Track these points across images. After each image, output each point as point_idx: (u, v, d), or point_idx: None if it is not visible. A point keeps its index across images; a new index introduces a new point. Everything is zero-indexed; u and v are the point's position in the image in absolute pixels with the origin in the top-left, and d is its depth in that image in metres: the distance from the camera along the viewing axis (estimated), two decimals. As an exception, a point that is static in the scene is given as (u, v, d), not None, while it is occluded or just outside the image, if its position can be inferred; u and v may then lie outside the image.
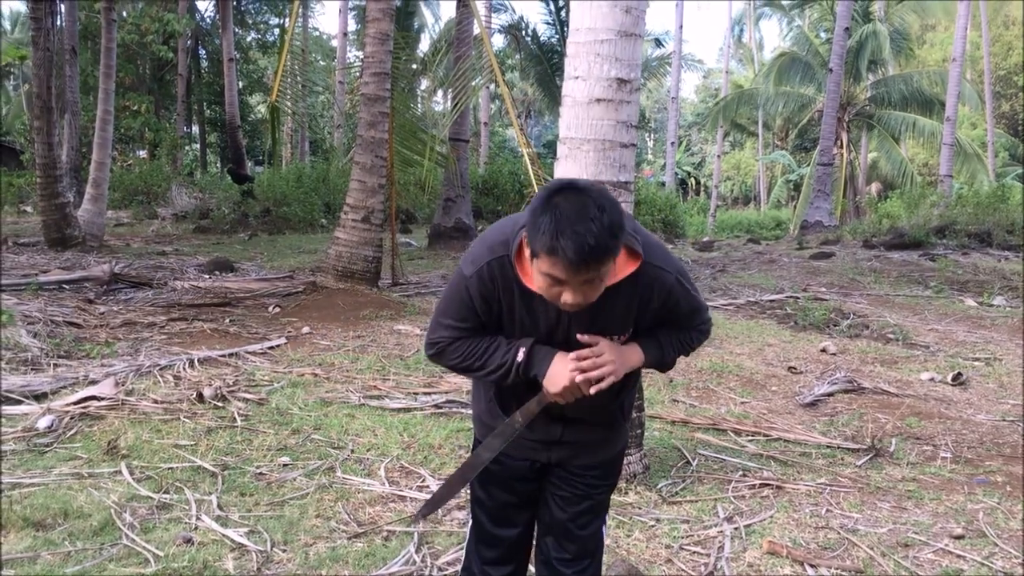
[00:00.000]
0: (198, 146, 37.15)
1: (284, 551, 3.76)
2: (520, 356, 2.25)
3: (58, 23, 17.62)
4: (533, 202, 2.08)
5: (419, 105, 27.83)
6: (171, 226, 20.00)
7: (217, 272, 11.79)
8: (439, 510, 4.01)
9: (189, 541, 3.78)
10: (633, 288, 2.22)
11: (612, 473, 2.66)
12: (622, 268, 2.17)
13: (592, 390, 2.22)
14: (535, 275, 2.10)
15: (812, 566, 3.77)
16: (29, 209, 20.63)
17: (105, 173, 15.85)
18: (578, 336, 2.23)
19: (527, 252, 2.11)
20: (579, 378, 2.20)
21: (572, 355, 2.22)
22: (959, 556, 3.94)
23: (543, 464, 2.55)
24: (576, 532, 2.59)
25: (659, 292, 2.26)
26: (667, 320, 2.36)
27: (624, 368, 2.27)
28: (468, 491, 2.68)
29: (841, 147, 29.54)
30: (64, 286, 9.78)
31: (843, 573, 3.73)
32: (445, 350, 2.35)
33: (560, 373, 2.22)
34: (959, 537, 4.14)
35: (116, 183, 21.55)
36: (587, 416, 2.45)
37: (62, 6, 17.74)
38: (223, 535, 3.85)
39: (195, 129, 37.54)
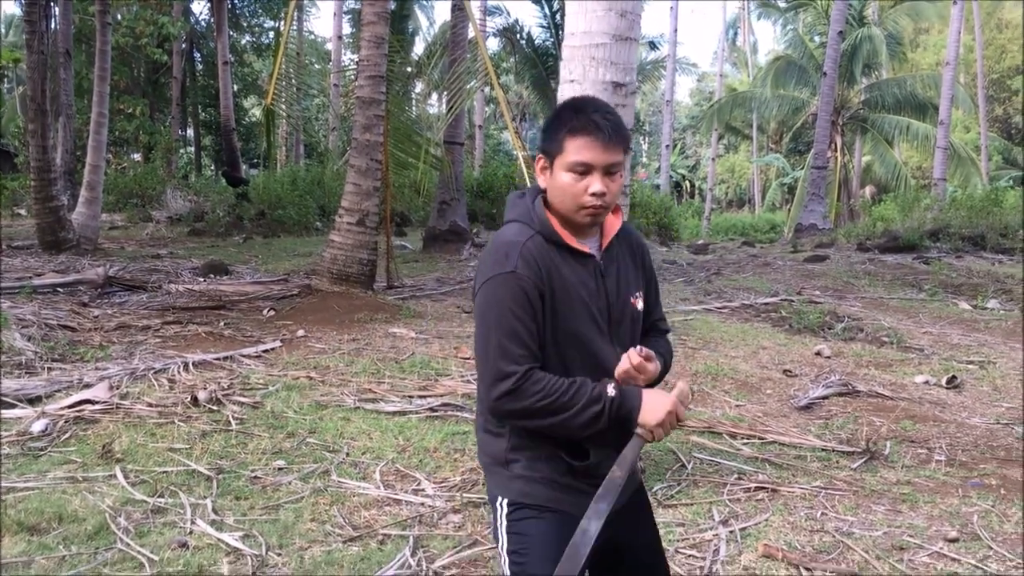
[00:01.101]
0: (193, 149, 37.11)
1: (279, 555, 3.76)
2: (611, 391, 2.06)
3: (52, 26, 17.65)
4: (544, 124, 2.24)
5: (414, 108, 27.83)
6: (166, 229, 19.97)
7: (212, 275, 11.77)
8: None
9: (184, 545, 3.78)
10: (627, 241, 2.30)
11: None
12: (614, 222, 2.26)
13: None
14: (558, 177, 2.12)
15: (807, 569, 3.77)
16: (23, 212, 20.59)
17: (100, 176, 15.82)
18: (631, 354, 2.10)
19: (547, 174, 2.17)
20: (679, 410, 2.10)
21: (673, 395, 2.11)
22: (954, 559, 3.94)
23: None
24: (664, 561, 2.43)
25: (639, 246, 2.34)
26: (649, 296, 2.35)
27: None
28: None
29: (835, 150, 29.60)
30: (58, 289, 9.75)
31: (838, 576, 3.73)
32: (523, 385, 2.01)
33: (659, 403, 2.08)
34: (954, 540, 4.15)
35: (111, 186, 21.51)
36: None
37: (56, 9, 17.74)
38: (218, 539, 3.85)
39: (190, 132, 37.52)
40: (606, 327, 2.18)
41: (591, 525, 2.01)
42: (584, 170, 2.09)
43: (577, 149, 2.08)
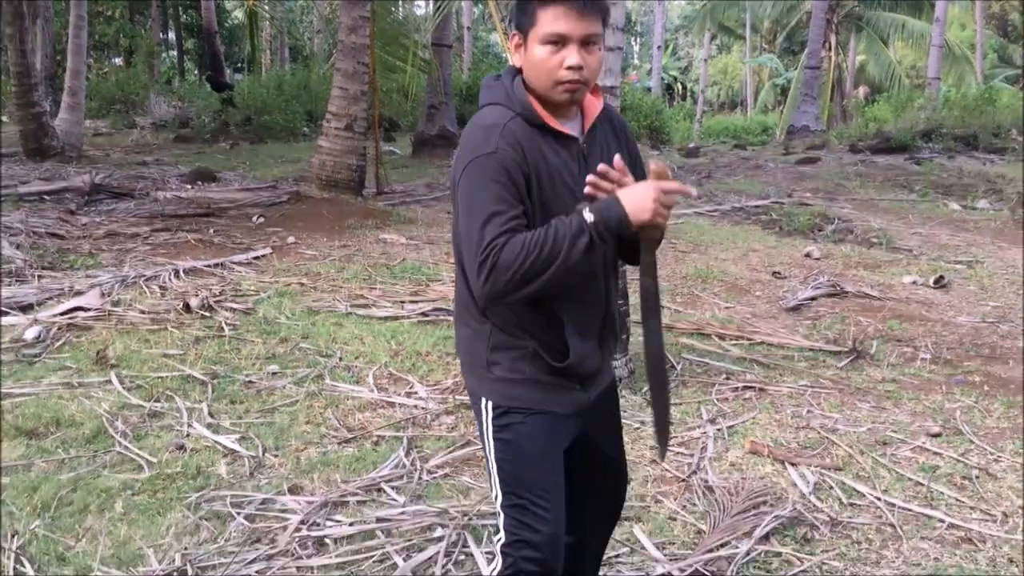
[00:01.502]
0: (175, 53, 36.29)
1: (275, 456, 3.83)
2: (588, 215, 1.89)
3: (25, -76, 17.00)
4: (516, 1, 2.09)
5: (401, 9, 27.20)
6: (151, 135, 19.69)
7: (199, 182, 11.66)
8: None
9: (181, 447, 3.84)
10: (609, 123, 2.19)
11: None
12: (594, 103, 2.14)
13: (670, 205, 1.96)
14: (533, 52, 1.99)
15: (792, 464, 3.86)
16: (5, 119, 20.25)
17: (81, 81, 15.50)
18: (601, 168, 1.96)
19: (521, 51, 2.04)
20: (662, 187, 1.92)
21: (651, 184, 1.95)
22: (936, 453, 4.04)
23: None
24: (624, 473, 2.46)
25: (621, 127, 2.23)
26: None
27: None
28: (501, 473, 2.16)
29: (829, 50, 29.13)
30: (45, 197, 9.67)
31: (823, 471, 3.82)
32: (502, 252, 1.86)
33: (640, 194, 1.91)
34: (936, 435, 4.25)
35: (93, 92, 21.09)
36: (615, 313, 2.23)
37: (28, -94, 17.10)
38: (215, 441, 3.92)
39: (171, 35, 36.64)
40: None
41: (658, 346, 2.08)
42: (559, 41, 1.96)
43: (551, 19, 1.96)
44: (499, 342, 2.10)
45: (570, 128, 2.07)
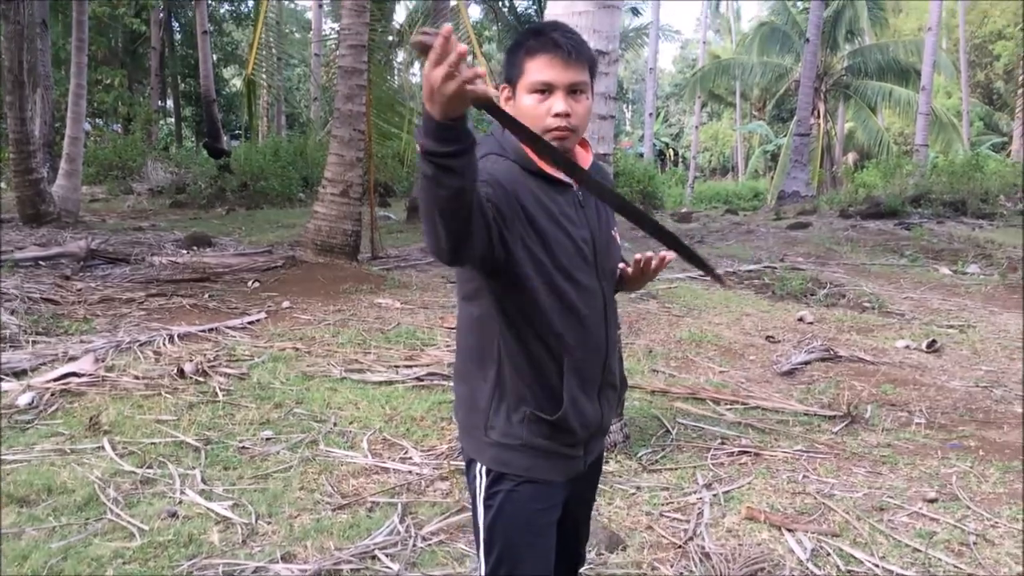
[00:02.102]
0: (173, 120, 36.75)
1: (269, 523, 3.79)
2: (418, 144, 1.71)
3: (28, -4, 17.33)
4: (505, 53, 2.15)
5: (397, 77, 27.63)
6: (147, 201, 19.82)
7: (195, 247, 11.72)
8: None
9: (174, 515, 3.81)
10: (599, 176, 2.17)
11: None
12: (584, 155, 2.17)
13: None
14: (521, 102, 2.02)
15: (789, 530, 3.84)
16: (3, 185, 20.37)
17: (79, 148, 15.66)
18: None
19: (511, 103, 2.06)
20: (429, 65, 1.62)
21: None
22: (932, 519, 4.02)
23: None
24: (586, 537, 2.49)
25: (609, 182, 2.32)
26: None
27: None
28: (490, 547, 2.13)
29: (818, 117, 29.62)
30: (40, 263, 9.69)
31: (820, 537, 3.80)
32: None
33: (425, 87, 1.62)
34: (932, 500, 4.23)
35: (91, 158, 21.29)
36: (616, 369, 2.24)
37: (32, -22, 17.44)
38: (208, 508, 3.88)
39: (169, 103, 37.10)
40: (592, 259, 2.10)
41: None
42: (546, 89, 2.00)
43: (537, 69, 2.00)
44: (498, 400, 2.07)
45: (558, 173, 2.05)
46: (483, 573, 2.10)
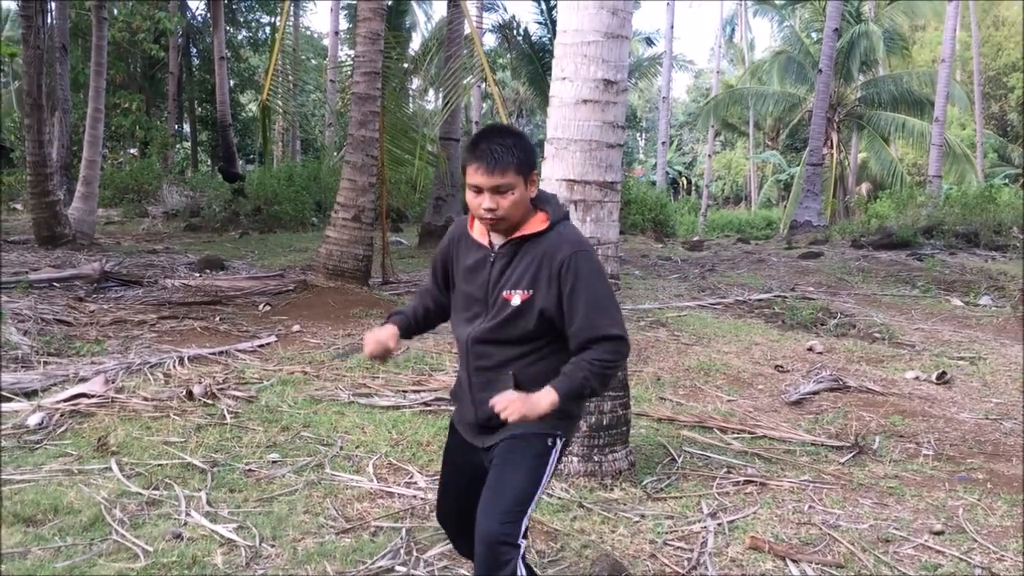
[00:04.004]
0: (189, 144, 37.04)
1: (273, 546, 3.80)
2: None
3: (49, 20, 17.59)
4: None
5: (410, 104, 27.84)
6: (162, 224, 19.97)
7: (208, 270, 11.81)
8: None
9: (179, 537, 3.82)
10: (539, 248, 2.68)
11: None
12: (534, 224, 2.71)
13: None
14: (467, 192, 2.64)
15: (794, 561, 3.82)
16: (19, 207, 20.59)
17: (96, 171, 15.83)
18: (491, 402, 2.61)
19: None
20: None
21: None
22: (938, 551, 4.00)
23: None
24: None
25: (558, 261, 2.64)
26: (571, 315, 2.64)
27: (533, 408, 2.56)
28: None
29: (831, 147, 29.65)
30: (54, 284, 9.78)
31: (824, 568, 3.79)
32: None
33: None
34: (939, 533, 4.21)
35: (107, 181, 21.48)
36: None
37: (53, 4, 17.69)
38: (212, 531, 3.89)
39: (186, 127, 37.43)
40: (480, 309, 2.74)
41: None
42: (477, 190, 2.62)
43: (471, 173, 2.62)
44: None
45: (495, 240, 2.73)
46: (523, 522, 2.65)
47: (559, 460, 2.79)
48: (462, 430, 2.92)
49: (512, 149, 2.61)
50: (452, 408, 5.84)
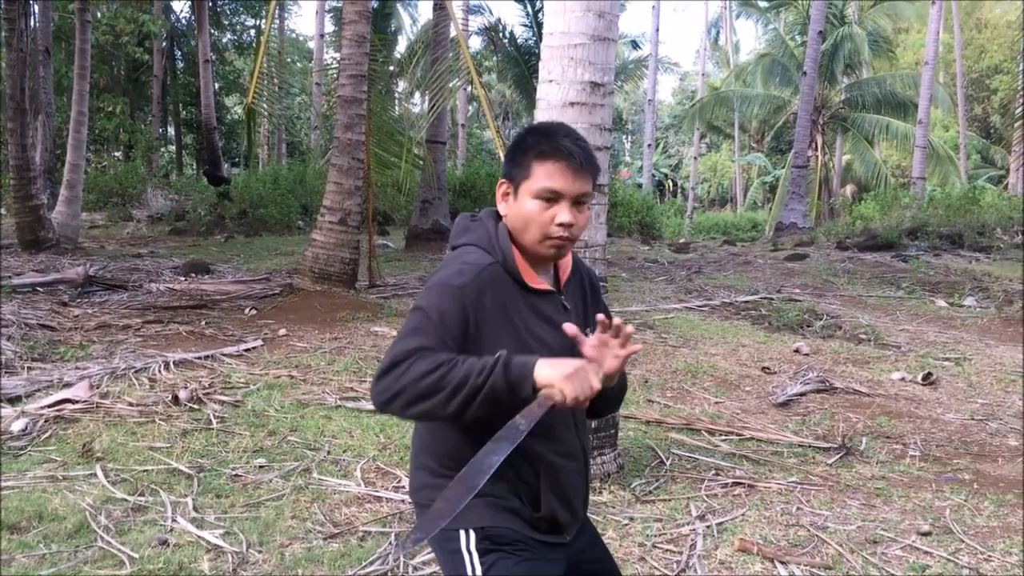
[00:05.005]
0: (174, 148, 36.93)
1: (260, 552, 3.78)
2: (502, 354, 1.81)
3: (31, 23, 17.51)
4: (510, 147, 2.09)
5: (396, 107, 27.80)
6: (146, 228, 19.89)
7: (193, 274, 11.75)
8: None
9: (165, 543, 3.79)
10: (577, 275, 2.19)
11: None
12: (567, 256, 2.13)
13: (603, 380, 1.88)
14: (523, 204, 1.99)
15: (782, 563, 3.83)
16: (2, 211, 20.44)
17: (79, 175, 15.74)
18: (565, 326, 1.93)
19: (508, 200, 2.04)
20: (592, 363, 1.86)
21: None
22: (926, 552, 4.01)
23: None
24: None
25: (589, 278, 2.22)
26: None
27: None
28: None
29: (816, 149, 29.77)
30: (38, 288, 9.71)
31: (812, 570, 3.79)
32: (412, 365, 1.79)
33: (562, 362, 1.81)
34: (926, 534, 4.22)
35: (91, 185, 21.37)
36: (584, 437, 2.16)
37: (35, 6, 17.61)
38: (199, 536, 3.87)
39: (171, 131, 37.32)
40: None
41: (489, 457, 1.74)
42: (552, 197, 1.97)
43: (546, 175, 1.97)
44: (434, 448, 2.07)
45: (544, 280, 2.07)
46: None
47: None
48: (540, 534, 2.04)
49: (591, 150, 2.05)
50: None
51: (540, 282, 2.04)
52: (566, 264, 2.15)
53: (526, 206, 1.99)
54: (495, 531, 1.96)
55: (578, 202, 1.99)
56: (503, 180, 2.06)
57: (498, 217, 2.08)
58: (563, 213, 1.97)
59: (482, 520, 1.96)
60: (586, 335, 1.95)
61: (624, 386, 2.17)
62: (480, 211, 2.15)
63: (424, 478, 2.07)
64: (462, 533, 1.96)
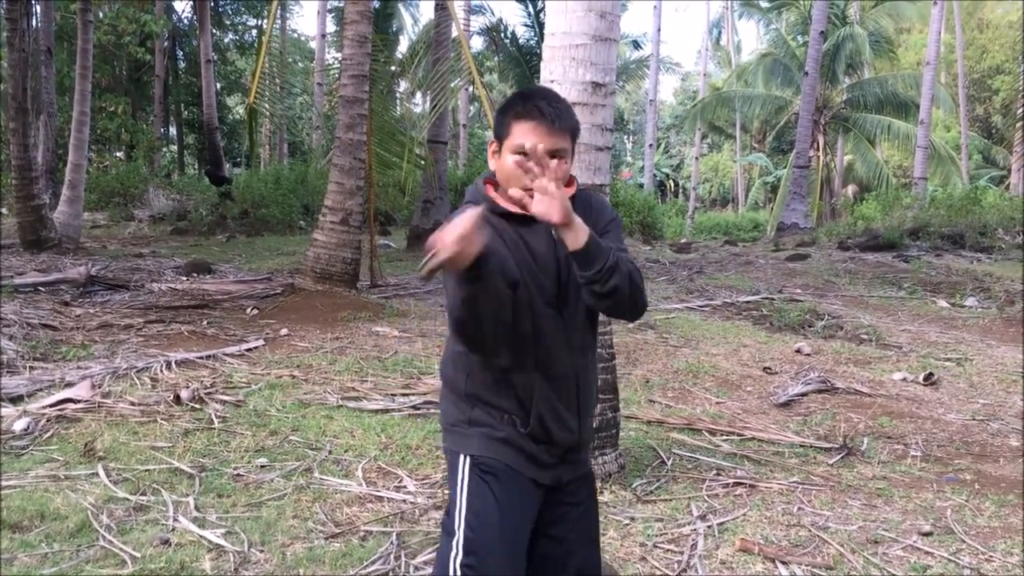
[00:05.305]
0: (176, 147, 36.94)
1: (261, 551, 3.79)
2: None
3: (33, 23, 17.52)
4: (496, 111, 2.37)
5: (398, 107, 27.81)
6: (148, 228, 19.90)
7: (195, 274, 11.76)
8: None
9: (166, 542, 3.80)
10: (583, 207, 2.25)
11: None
12: (566, 191, 2.20)
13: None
14: (505, 159, 2.24)
15: (783, 563, 3.83)
16: (4, 211, 20.46)
17: (81, 175, 15.75)
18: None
19: (497, 157, 2.30)
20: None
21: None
22: (927, 552, 4.01)
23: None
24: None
25: (596, 208, 2.37)
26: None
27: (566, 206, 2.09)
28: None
29: (817, 150, 29.76)
30: (40, 288, 9.72)
31: (813, 570, 3.79)
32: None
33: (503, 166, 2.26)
34: (927, 534, 4.22)
35: (93, 185, 21.39)
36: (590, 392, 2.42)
37: (37, 7, 17.62)
38: (200, 536, 3.87)
39: (172, 130, 37.33)
40: (554, 291, 2.29)
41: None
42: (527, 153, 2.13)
43: (523, 133, 2.21)
44: (476, 401, 2.35)
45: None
46: (455, 564, 2.26)
47: None
48: (525, 466, 2.33)
49: (570, 110, 2.30)
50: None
51: (523, 210, 2.15)
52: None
53: (507, 162, 2.24)
54: (483, 460, 2.30)
55: (554, 155, 2.19)
56: (492, 140, 2.34)
57: (489, 176, 2.38)
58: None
59: (477, 449, 2.31)
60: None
61: (600, 252, 2.16)
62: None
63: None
64: (461, 457, 2.33)
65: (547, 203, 2.05)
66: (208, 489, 4.45)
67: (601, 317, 2.55)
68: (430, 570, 3.67)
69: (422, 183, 16.58)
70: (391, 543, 3.87)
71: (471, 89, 24.76)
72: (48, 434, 5.12)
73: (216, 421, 5.46)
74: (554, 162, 2.17)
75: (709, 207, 55.14)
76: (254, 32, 34.49)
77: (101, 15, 23.68)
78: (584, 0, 4.54)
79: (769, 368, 7.78)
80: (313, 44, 37.37)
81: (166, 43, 30.29)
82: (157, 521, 4.03)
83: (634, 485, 4.77)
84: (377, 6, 20.89)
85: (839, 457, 5.39)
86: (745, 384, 7.25)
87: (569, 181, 2.33)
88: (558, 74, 4.60)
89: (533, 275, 2.25)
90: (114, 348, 7.29)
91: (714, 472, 5.04)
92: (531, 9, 24.01)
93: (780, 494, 4.73)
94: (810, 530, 4.22)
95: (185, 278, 11.45)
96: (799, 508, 4.53)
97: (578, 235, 2.10)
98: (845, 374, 7.64)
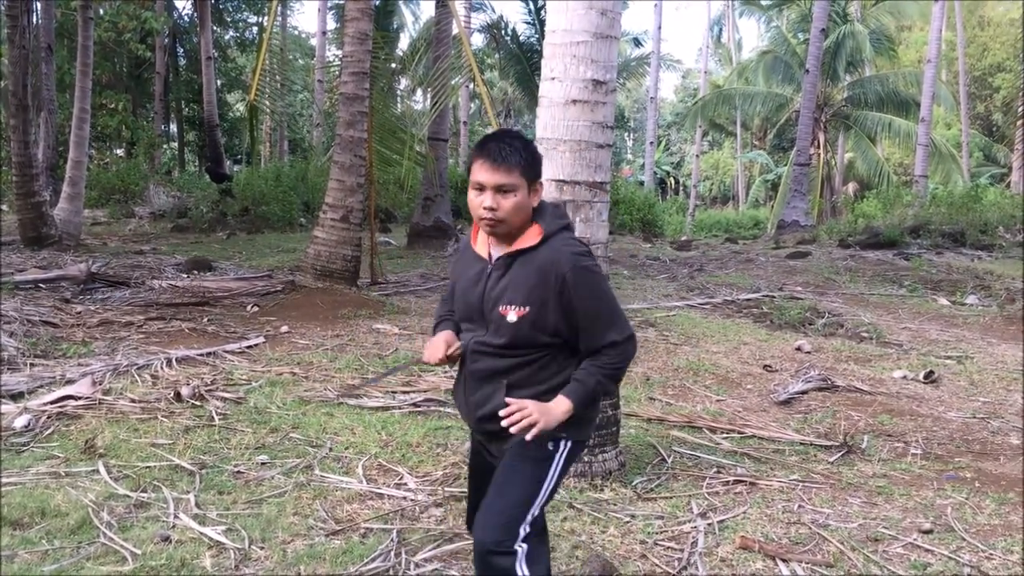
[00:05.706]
0: (176, 144, 36.89)
1: (262, 549, 3.79)
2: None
3: (34, 20, 17.50)
4: None
5: (398, 104, 27.80)
6: (149, 225, 19.88)
7: (195, 271, 11.75)
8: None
9: (167, 539, 3.80)
10: (534, 263, 2.63)
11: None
12: (529, 237, 2.65)
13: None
14: (469, 193, 2.63)
15: (783, 560, 3.83)
16: (5, 208, 20.45)
17: (82, 171, 15.73)
18: (505, 406, 2.60)
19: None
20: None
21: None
22: (927, 550, 4.01)
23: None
24: None
25: (556, 273, 2.60)
26: (573, 328, 2.63)
27: (551, 418, 2.58)
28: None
29: (818, 147, 29.76)
30: (40, 285, 9.72)
31: (814, 567, 3.79)
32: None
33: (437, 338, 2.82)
34: (928, 532, 4.22)
35: (93, 182, 21.35)
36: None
37: (38, 3, 17.60)
38: (201, 533, 3.87)
39: (173, 127, 37.28)
40: (478, 320, 2.72)
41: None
42: (480, 187, 2.59)
43: (475, 170, 2.61)
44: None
45: (496, 251, 2.70)
46: (527, 524, 2.65)
47: (572, 460, 2.77)
48: (474, 433, 2.94)
49: (520, 151, 2.61)
50: (441, 409, 5.85)
51: (480, 249, 2.76)
52: (520, 243, 2.66)
53: (470, 194, 2.64)
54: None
55: (500, 190, 2.57)
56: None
57: None
58: (487, 199, 2.58)
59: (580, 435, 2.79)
60: (501, 305, 2.63)
61: (588, 395, 2.69)
62: None
63: None
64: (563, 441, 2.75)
65: (524, 427, 2.55)
66: (209, 486, 4.45)
67: None
68: (429, 568, 3.68)
69: (423, 180, 16.57)
70: (391, 540, 3.87)
71: (472, 86, 24.76)
72: (49, 431, 5.12)
73: (217, 418, 5.46)
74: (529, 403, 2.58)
75: (709, 205, 55.12)
76: (255, 29, 34.45)
77: (102, 12, 23.63)
78: (585, -3, 4.54)
79: (769, 366, 7.78)
80: (314, 41, 37.35)
81: (167, 40, 30.25)
82: (158, 518, 4.04)
83: (634, 483, 4.77)
84: (378, 3, 20.87)
85: (839, 455, 5.39)
86: (745, 382, 7.25)
87: (538, 231, 2.65)
88: (559, 71, 4.60)
89: (467, 301, 2.76)
90: (115, 345, 7.29)
91: (714, 470, 5.04)
92: (532, 6, 23.97)
93: (780, 492, 4.73)
94: (810, 528, 4.22)
95: (185, 275, 11.44)
96: (799, 506, 4.53)
97: (567, 412, 2.61)
98: (845, 372, 7.64)
